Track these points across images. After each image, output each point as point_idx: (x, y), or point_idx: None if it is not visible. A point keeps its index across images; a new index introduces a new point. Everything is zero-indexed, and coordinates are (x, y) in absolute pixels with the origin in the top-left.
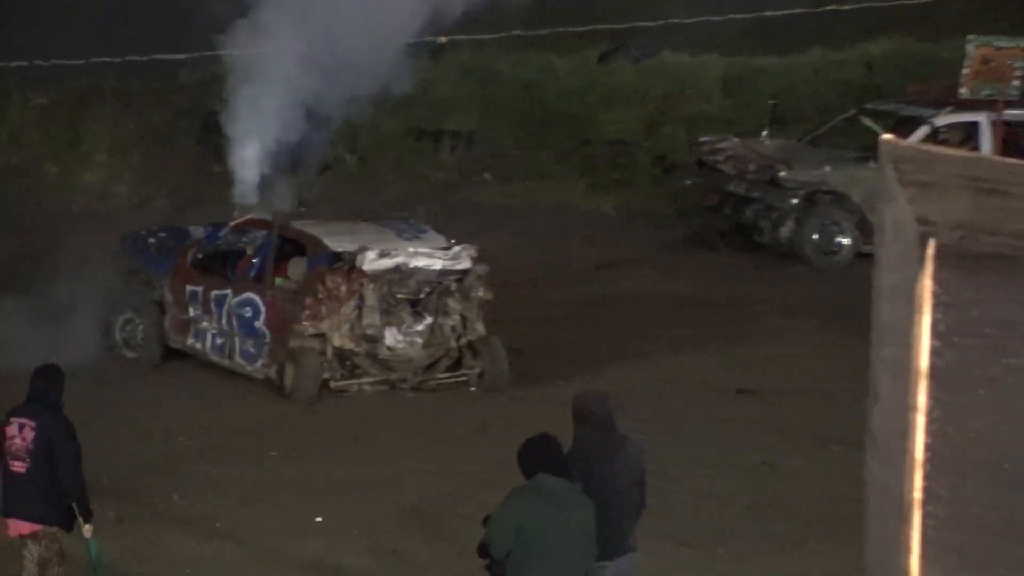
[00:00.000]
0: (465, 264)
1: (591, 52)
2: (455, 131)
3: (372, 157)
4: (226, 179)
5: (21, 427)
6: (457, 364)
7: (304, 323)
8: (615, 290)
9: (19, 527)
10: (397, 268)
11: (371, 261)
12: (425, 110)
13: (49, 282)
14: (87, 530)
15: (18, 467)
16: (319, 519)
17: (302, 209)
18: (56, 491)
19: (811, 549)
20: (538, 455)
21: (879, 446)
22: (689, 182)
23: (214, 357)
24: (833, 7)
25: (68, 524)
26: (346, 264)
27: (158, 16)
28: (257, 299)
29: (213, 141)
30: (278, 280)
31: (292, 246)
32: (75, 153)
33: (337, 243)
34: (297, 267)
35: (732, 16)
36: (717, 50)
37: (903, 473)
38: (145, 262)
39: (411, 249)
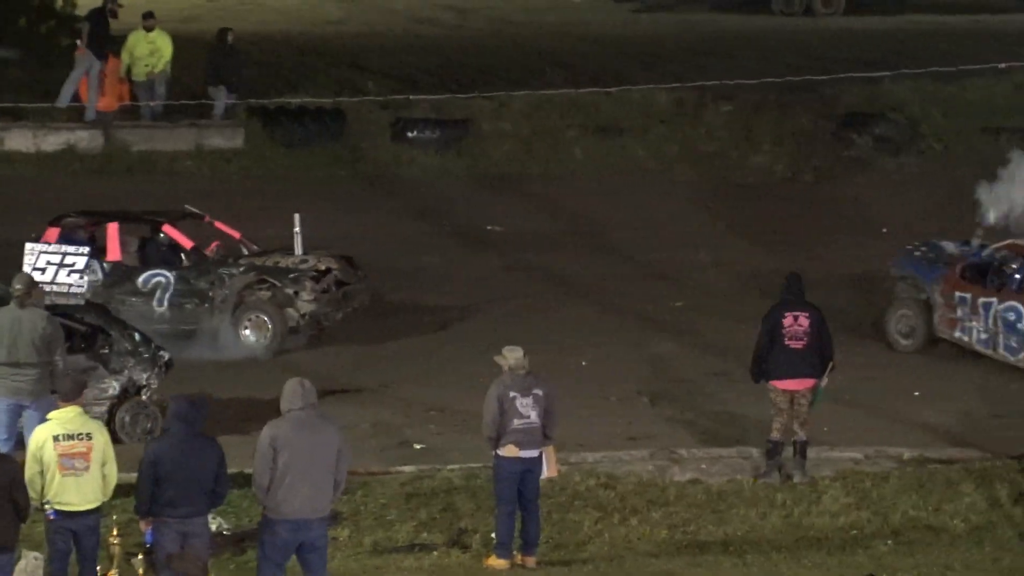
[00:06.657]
0: None
1: None
2: None
3: None
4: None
5: (796, 317)
6: None
7: None
8: None
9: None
10: None
11: None
12: None
13: None
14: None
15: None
16: None
17: None
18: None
19: None
20: None
21: None
22: None
23: (979, 348)
24: None
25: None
26: None
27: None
28: (1020, 306)
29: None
30: None
31: None
32: (748, 143)
33: None
34: None
35: None
36: None
37: None
38: (916, 270)
39: None
